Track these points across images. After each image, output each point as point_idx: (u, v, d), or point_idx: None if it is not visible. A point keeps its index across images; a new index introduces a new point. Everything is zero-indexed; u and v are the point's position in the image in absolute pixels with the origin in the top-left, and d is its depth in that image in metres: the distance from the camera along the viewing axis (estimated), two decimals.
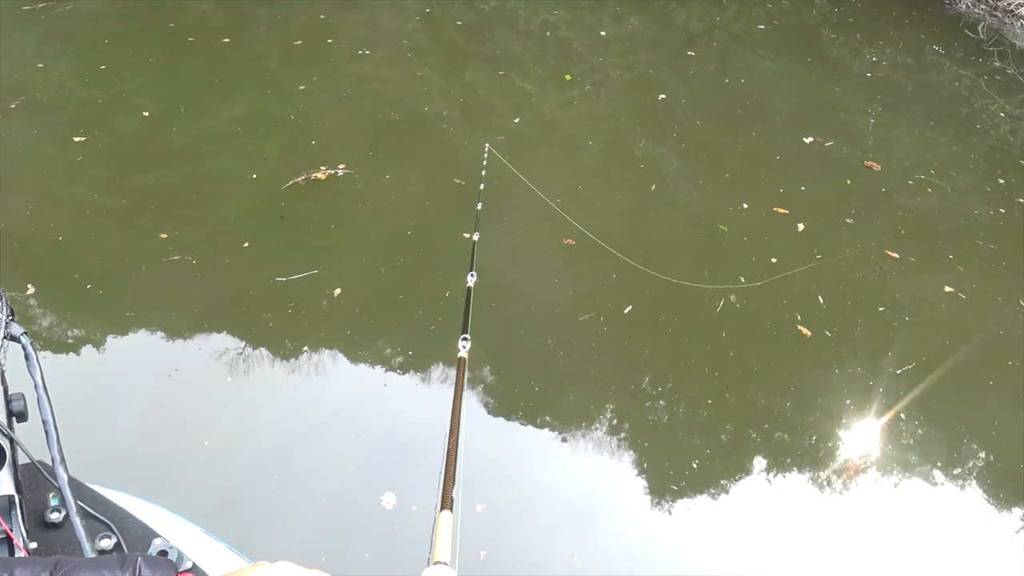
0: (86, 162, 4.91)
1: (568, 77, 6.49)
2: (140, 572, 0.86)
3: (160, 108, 5.50)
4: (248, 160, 5.05)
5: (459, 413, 1.38)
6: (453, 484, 1.15)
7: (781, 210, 5.08)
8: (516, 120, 5.80)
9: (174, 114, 5.46)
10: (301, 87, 5.95)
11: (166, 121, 5.36)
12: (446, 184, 4.96)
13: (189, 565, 1.25)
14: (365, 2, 7.72)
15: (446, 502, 1.12)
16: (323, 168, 4.96)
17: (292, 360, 3.76)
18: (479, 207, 3.38)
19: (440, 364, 3.82)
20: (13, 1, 6.82)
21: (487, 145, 4.57)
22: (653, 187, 5.21)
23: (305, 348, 3.81)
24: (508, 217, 4.72)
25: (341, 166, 4.99)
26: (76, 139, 5.08)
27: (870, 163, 5.73)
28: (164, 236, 4.36)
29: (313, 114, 5.62)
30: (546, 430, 3.61)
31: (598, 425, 3.69)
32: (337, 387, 3.70)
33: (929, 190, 5.52)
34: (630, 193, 5.14)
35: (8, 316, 1.39)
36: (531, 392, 3.75)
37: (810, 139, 5.94)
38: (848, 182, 5.51)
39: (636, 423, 3.72)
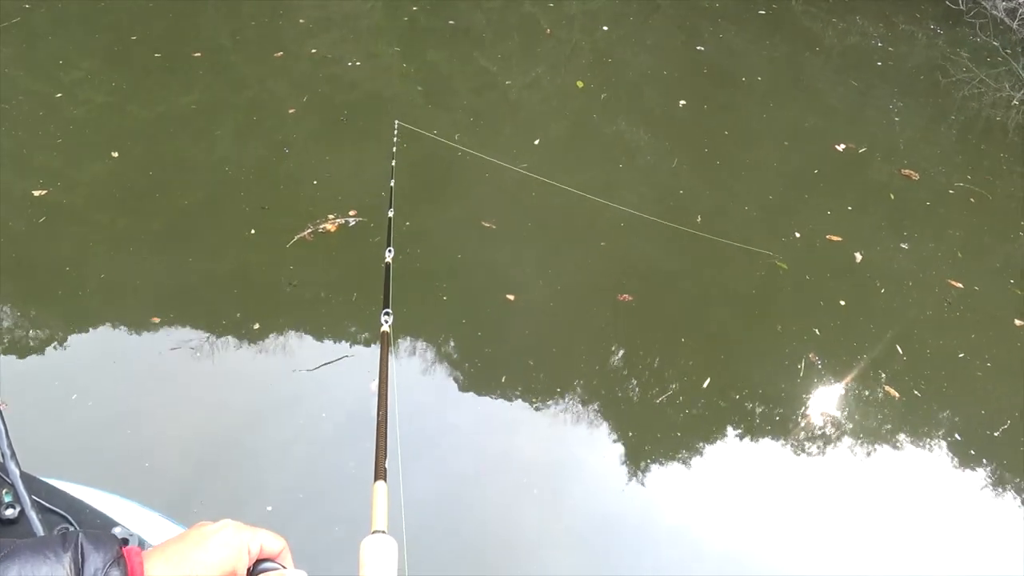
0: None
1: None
2: (82, 549, 0.83)
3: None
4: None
5: (386, 385, 1.40)
6: (385, 455, 1.17)
7: (834, 237, 4.73)
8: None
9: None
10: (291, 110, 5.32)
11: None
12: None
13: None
14: None
15: (379, 473, 1.14)
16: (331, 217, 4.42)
17: (249, 344, 3.77)
18: (392, 184, 3.20)
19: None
20: None
21: (396, 121, 4.23)
22: (697, 218, 4.80)
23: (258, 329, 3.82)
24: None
25: (352, 212, 4.45)
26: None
27: (907, 171, 5.42)
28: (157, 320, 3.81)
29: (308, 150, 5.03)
30: (479, 394, 3.69)
31: (536, 387, 3.72)
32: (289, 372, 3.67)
33: (972, 199, 5.24)
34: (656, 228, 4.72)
35: None
36: (464, 359, 3.82)
37: (842, 146, 5.59)
38: (891, 196, 5.19)
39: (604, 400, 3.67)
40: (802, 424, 3.71)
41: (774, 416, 3.72)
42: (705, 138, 5.48)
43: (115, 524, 1.38)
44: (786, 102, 6.10)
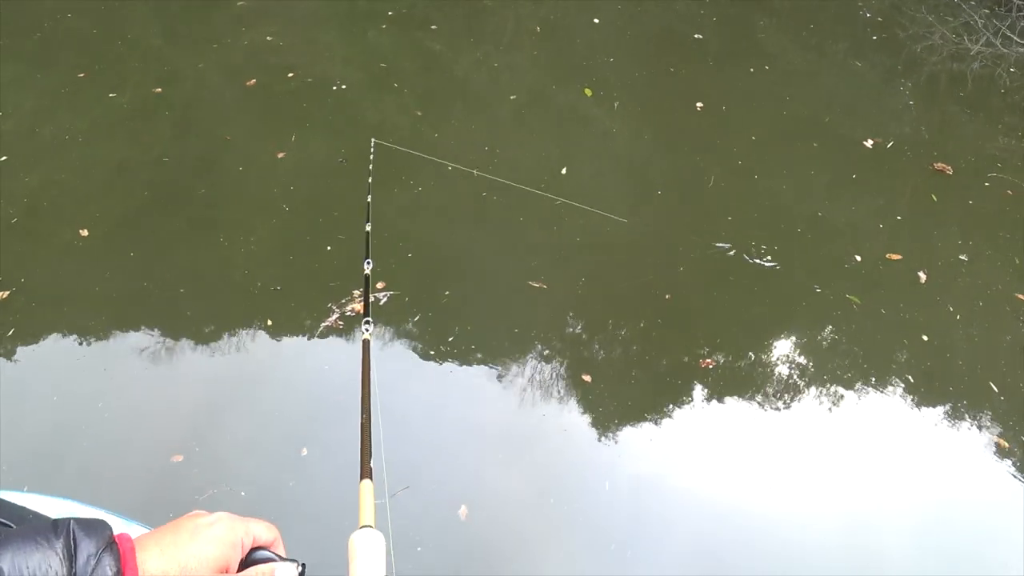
0: None
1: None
2: (74, 535, 0.82)
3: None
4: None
5: (368, 390, 1.44)
6: (370, 456, 1.23)
7: (894, 256, 4.46)
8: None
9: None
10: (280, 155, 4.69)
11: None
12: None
13: None
14: None
15: (365, 472, 1.19)
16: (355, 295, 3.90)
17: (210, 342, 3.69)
18: (369, 199, 3.09)
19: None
20: None
21: (372, 140, 4.08)
22: (731, 251, 4.44)
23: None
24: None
25: (380, 284, 3.94)
26: None
27: (941, 165, 5.16)
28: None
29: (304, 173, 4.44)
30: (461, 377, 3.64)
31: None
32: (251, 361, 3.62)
33: (1010, 192, 5.03)
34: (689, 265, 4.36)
35: None
36: (445, 346, 3.74)
37: (870, 142, 5.29)
38: (933, 198, 4.93)
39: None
40: (914, 489, 3.46)
41: (902, 484, 3.45)
42: (734, 147, 5.09)
43: None
44: (797, 92, 5.75)
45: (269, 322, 3.76)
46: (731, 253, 4.32)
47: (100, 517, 1.40)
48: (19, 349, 3.56)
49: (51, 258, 3.99)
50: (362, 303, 3.90)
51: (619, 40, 6.08)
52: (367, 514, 1.11)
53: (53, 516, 1.29)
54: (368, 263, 2.19)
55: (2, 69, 5.23)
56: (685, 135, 5.24)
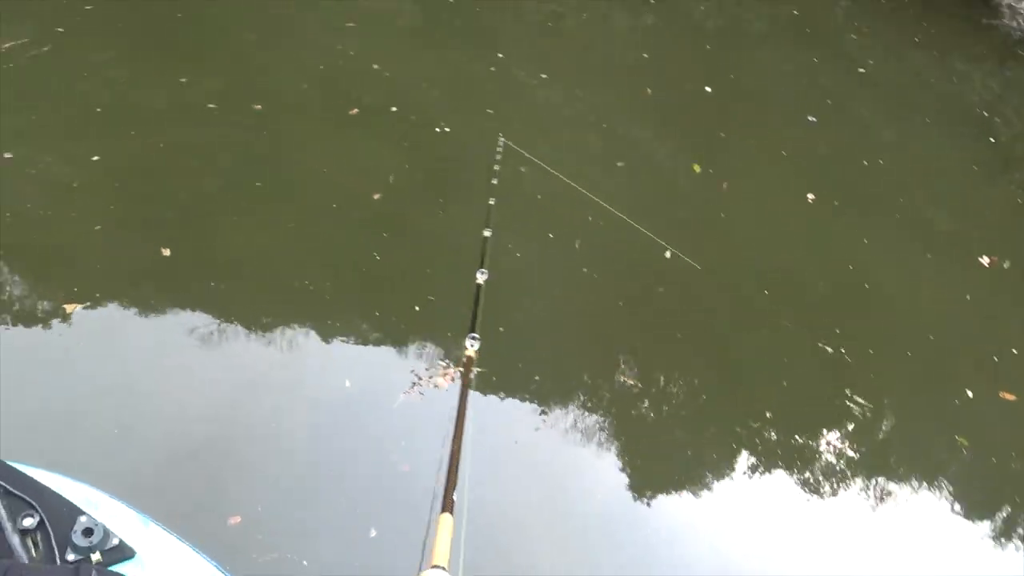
0: None
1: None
2: None
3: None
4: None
5: (464, 414, 1.38)
6: (455, 486, 1.15)
7: (1008, 395, 4.16)
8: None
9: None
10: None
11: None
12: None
13: (115, 542, 1.32)
14: None
15: (447, 504, 1.11)
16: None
17: (264, 332, 3.67)
18: (492, 202, 3.22)
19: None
20: None
21: (500, 137, 4.21)
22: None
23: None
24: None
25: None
26: None
27: None
28: None
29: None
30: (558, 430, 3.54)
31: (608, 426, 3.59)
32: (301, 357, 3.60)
33: None
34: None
35: None
36: (539, 387, 3.64)
37: (986, 260, 4.99)
38: None
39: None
40: None
41: None
42: (845, 248, 4.83)
43: (80, 512, 1.38)
44: (913, 192, 5.48)
45: (347, 383, 3.57)
46: (830, 351, 4.08)
47: (123, 511, 1.49)
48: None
49: (134, 274, 3.85)
50: (446, 375, 3.75)
51: (732, 115, 5.84)
52: (441, 552, 1.05)
53: (74, 501, 1.41)
54: (482, 272, 2.18)
55: (109, 71, 5.15)
56: (793, 228, 4.99)
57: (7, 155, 4.34)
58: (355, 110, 5.03)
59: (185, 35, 5.63)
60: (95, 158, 4.43)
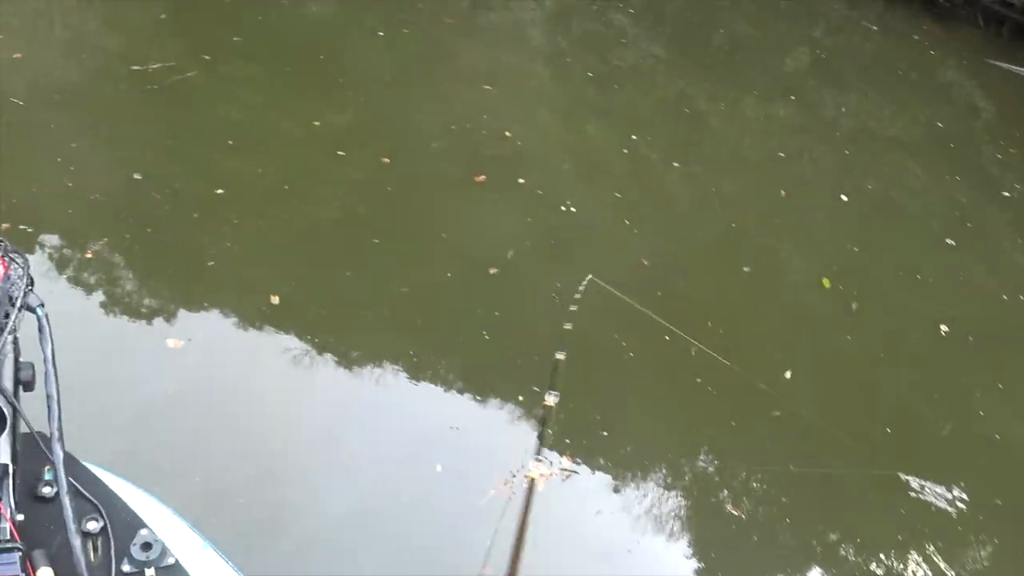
0: None
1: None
2: None
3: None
4: None
5: (523, 539, 1.45)
6: None
7: None
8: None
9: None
10: None
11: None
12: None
13: (171, 561, 1.34)
14: None
15: None
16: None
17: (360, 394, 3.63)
18: (567, 327, 3.21)
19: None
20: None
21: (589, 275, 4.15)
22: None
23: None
24: None
25: (566, 459, 3.52)
26: None
27: None
28: None
29: None
30: None
31: None
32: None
33: None
34: None
35: (28, 286, 1.37)
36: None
37: None
38: None
39: None
40: None
41: None
42: (977, 392, 4.50)
43: (143, 525, 1.40)
44: None
45: (438, 467, 3.40)
46: (947, 508, 3.75)
47: (184, 530, 1.51)
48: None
49: (245, 314, 3.79)
50: (542, 472, 3.58)
51: (866, 228, 5.56)
52: None
53: (139, 512, 1.44)
54: (551, 395, 2.24)
55: (245, 105, 5.20)
56: (921, 362, 4.68)
57: (136, 176, 4.39)
58: (482, 177, 4.94)
59: (325, 76, 5.68)
60: (219, 191, 4.44)
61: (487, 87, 5.86)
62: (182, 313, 3.76)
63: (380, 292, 4.10)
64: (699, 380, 4.02)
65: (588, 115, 6.39)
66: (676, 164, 5.68)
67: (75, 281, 3.79)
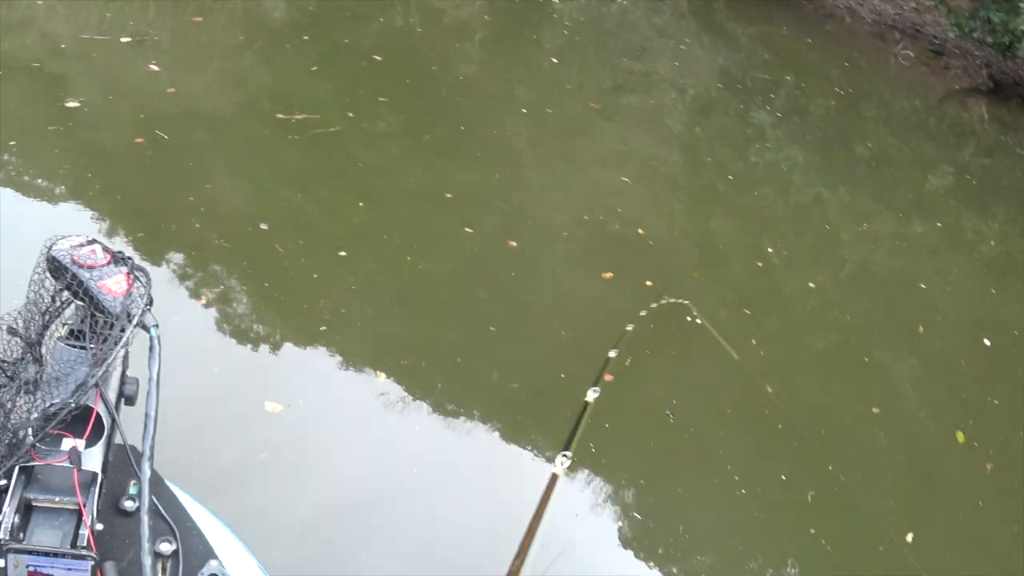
0: None
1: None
2: None
3: None
4: None
5: (533, 533, 1.41)
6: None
7: None
8: None
9: None
10: None
11: None
12: None
13: None
14: None
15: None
16: None
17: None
18: (629, 328, 3.15)
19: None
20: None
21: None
22: None
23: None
24: None
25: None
26: None
27: None
28: None
29: None
30: None
31: None
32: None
33: None
34: None
35: (147, 305, 1.41)
36: None
37: None
38: None
39: None
40: None
41: None
42: None
43: (214, 556, 1.42)
44: None
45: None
46: None
47: (254, 568, 1.57)
48: None
49: (350, 386, 3.74)
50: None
51: (1010, 380, 5.19)
52: None
53: (212, 541, 1.48)
54: (594, 391, 2.14)
55: (380, 169, 5.24)
56: None
57: (263, 226, 4.44)
58: (609, 274, 4.82)
59: (464, 146, 5.72)
60: (342, 253, 4.46)
61: (624, 178, 5.78)
62: (286, 376, 3.66)
63: (489, 383, 4.00)
64: (813, 531, 3.77)
65: (719, 211, 6.24)
66: (811, 284, 5.45)
67: (183, 326, 3.73)
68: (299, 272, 4.22)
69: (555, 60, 8.21)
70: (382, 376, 3.78)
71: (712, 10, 12.04)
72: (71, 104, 5.13)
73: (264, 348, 3.81)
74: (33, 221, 4.12)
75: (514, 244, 4.84)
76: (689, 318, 4.67)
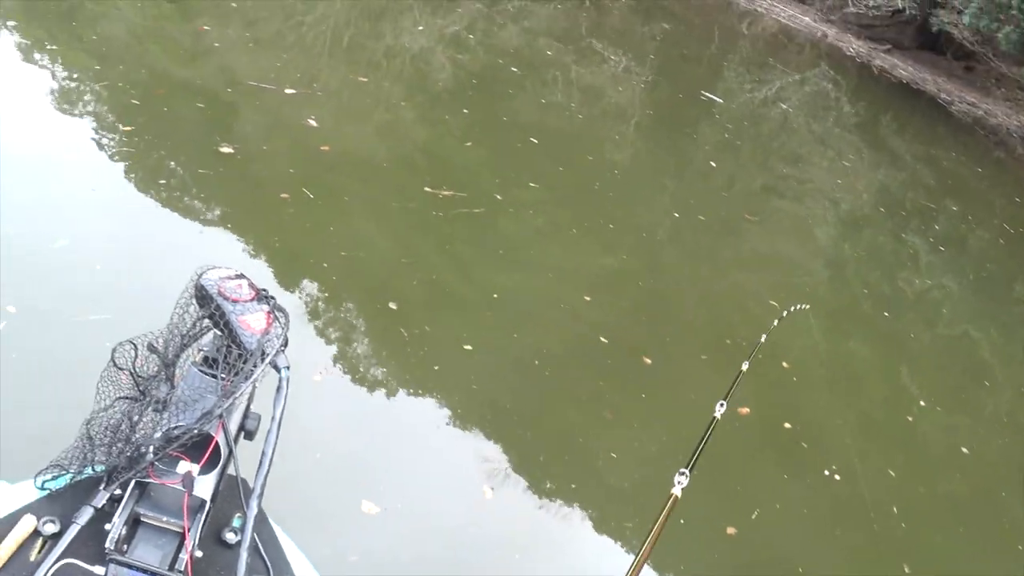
0: None
1: None
2: None
3: None
4: None
5: (644, 557, 1.37)
6: None
7: None
8: None
9: None
10: None
11: None
12: None
13: None
14: None
15: None
16: None
17: None
18: (763, 339, 2.97)
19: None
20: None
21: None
22: None
23: None
24: None
25: None
26: None
27: None
28: None
29: None
30: None
31: None
32: None
33: None
34: None
35: (282, 345, 1.45)
36: None
37: None
38: None
39: None
40: None
41: None
42: None
43: None
44: None
45: None
46: None
47: None
48: None
49: (456, 498, 3.48)
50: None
51: None
52: None
53: None
54: (721, 405, 2.15)
55: (524, 250, 5.24)
56: None
57: (392, 305, 4.31)
58: (746, 410, 4.49)
59: (610, 244, 5.62)
60: (467, 347, 4.18)
61: (771, 301, 5.59)
62: (385, 477, 3.32)
63: (596, 468, 3.85)
64: None
65: (860, 333, 5.99)
66: (939, 409, 5.15)
67: (289, 396, 3.65)
68: (420, 361, 3.97)
69: (710, 159, 8.21)
70: (489, 491, 3.48)
71: (878, 123, 11.78)
72: (225, 150, 5.13)
73: (369, 441, 3.53)
74: (169, 255, 4.05)
75: (648, 361, 4.52)
76: (827, 472, 4.36)
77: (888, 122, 11.91)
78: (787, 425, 4.49)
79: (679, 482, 1.66)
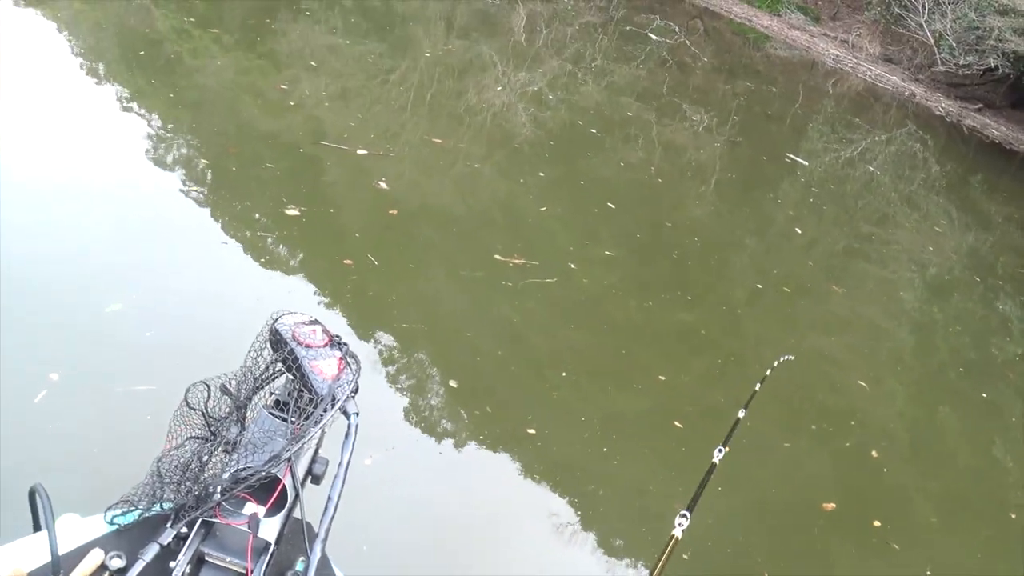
0: None
1: None
2: None
3: None
4: None
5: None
6: None
7: None
8: None
9: None
10: None
11: None
12: None
13: None
14: None
15: None
16: None
17: None
18: (757, 388, 2.90)
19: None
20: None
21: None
22: None
23: None
24: None
25: None
26: None
27: None
28: None
29: None
30: None
31: None
32: None
33: None
34: None
35: (353, 391, 1.45)
36: None
37: None
38: None
39: None
40: None
41: None
42: None
43: None
44: None
45: None
46: None
47: None
48: None
49: None
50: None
51: None
52: None
53: None
54: (720, 451, 2.20)
55: (594, 329, 5.21)
56: None
57: (452, 383, 4.17)
58: (831, 505, 4.28)
59: (686, 323, 5.54)
60: (531, 431, 3.99)
61: (843, 350, 5.45)
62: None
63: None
64: None
65: (946, 401, 5.74)
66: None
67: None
68: (481, 444, 3.81)
69: (793, 219, 8.07)
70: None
71: (967, 184, 11.43)
72: (291, 212, 4.97)
73: (418, 546, 3.30)
74: (222, 323, 3.89)
75: (724, 450, 4.47)
76: (874, 533, 4.20)
77: (978, 182, 11.55)
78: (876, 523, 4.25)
79: (679, 524, 1.64)
